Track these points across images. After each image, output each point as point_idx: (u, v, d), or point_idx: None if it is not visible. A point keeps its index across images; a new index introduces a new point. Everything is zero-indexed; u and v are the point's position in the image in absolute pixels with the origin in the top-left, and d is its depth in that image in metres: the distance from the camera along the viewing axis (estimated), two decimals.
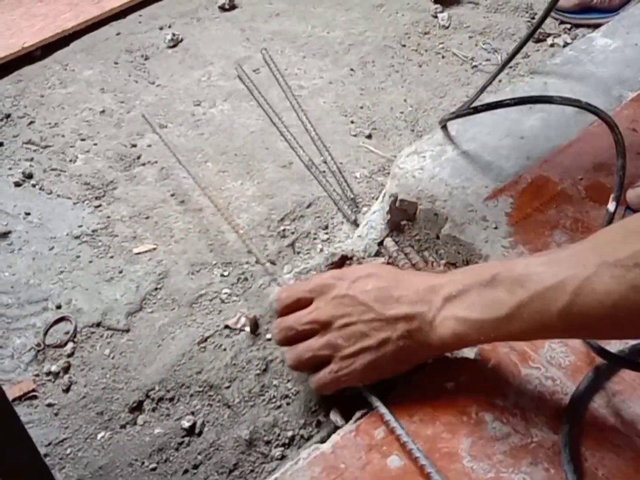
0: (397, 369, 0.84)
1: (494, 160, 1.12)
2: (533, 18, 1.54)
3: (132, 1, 1.62)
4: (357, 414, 0.85)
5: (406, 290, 0.81)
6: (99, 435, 0.90)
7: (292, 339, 0.85)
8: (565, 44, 1.44)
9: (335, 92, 1.39)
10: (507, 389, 0.84)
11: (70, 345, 0.99)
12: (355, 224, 1.13)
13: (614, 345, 0.86)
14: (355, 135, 1.30)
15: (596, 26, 1.43)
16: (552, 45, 1.48)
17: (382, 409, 0.82)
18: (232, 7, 1.62)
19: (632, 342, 0.87)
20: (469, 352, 0.88)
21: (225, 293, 1.04)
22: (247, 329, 0.98)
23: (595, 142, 1.09)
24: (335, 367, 0.82)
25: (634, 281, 0.64)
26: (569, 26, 1.51)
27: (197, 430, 0.89)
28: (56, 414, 0.92)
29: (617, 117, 1.15)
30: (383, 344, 0.80)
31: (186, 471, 0.86)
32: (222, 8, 1.61)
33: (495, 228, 0.99)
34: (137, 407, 0.92)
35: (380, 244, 1.09)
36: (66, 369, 0.96)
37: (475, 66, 1.43)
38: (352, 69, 1.44)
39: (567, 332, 0.74)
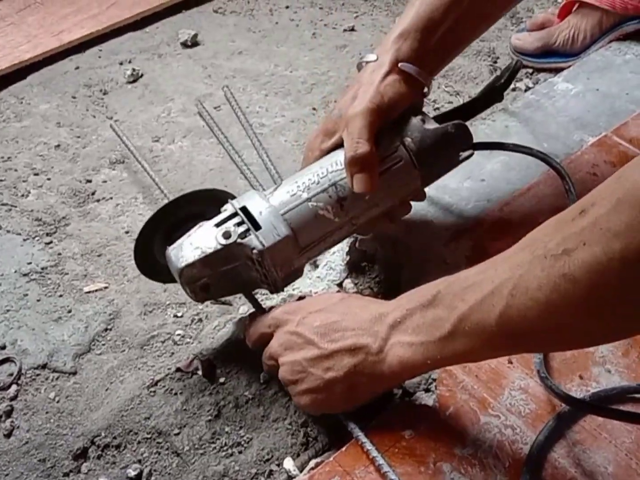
0: (352, 404, 0.83)
1: (454, 203, 1.11)
2: (495, 62, 1.54)
3: (92, 34, 1.59)
4: (311, 463, 0.83)
5: (353, 322, 0.81)
6: None
7: (271, 370, 0.88)
8: (527, 88, 1.45)
9: (297, 130, 1.37)
10: (465, 437, 0.82)
11: (13, 387, 0.95)
12: (314, 264, 1.10)
13: (575, 393, 0.85)
14: None
15: (557, 70, 1.44)
16: (513, 89, 1.48)
17: (368, 445, 0.81)
18: (195, 43, 1.60)
19: (592, 389, 0.86)
20: (428, 399, 0.86)
21: (179, 334, 1.01)
22: (200, 372, 0.94)
23: (556, 185, 1.08)
24: (293, 399, 0.86)
25: (563, 269, 0.60)
26: (530, 70, 1.52)
27: None
28: None
29: (577, 161, 1.16)
30: (330, 385, 0.80)
31: None
32: (184, 44, 1.60)
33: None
34: (82, 454, 0.88)
35: (340, 285, 1.07)
36: (8, 413, 0.92)
37: (437, 108, 1.43)
38: (314, 108, 1.43)
39: (509, 343, 0.70)
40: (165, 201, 1.10)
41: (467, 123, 0.99)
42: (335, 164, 0.92)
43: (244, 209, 0.88)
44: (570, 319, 0.63)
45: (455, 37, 0.99)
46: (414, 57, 0.95)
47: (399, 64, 0.94)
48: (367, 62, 0.97)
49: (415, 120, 0.95)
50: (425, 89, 0.99)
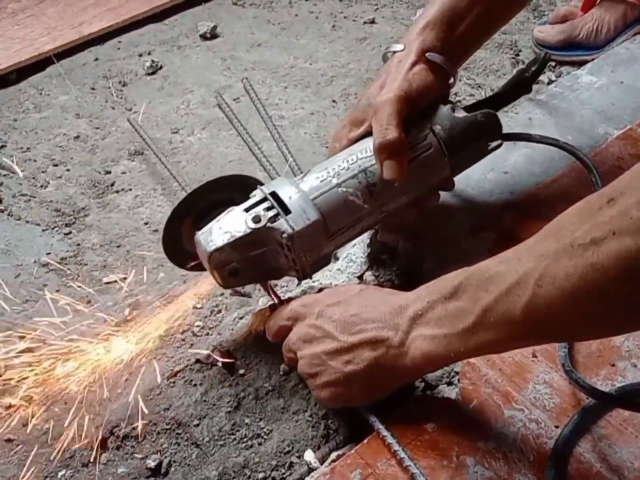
0: (372, 397, 0.83)
1: (477, 195, 1.10)
2: (517, 55, 1.53)
3: (112, 27, 1.59)
4: (333, 456, 0.82)
5: (373, 314, 0.80)
6: (60, 474, 0.85)
7: (291, 362, 0.88)
8: (550, 82, 1.43)
9: (317, 123, 1.37)
10: (489, 431, 0.81)
11: (32, 377, 0.94)
12: (335, 257, 1.09)
13: (600, 387, 0.84)
14: None
15: (581, 63, 1.42)
16: (536, 82, 1.46)
17: (390, 439, 0.80)
18: (214, 36, 1.60)
19: (618, 384, 0.85)
20: (450, 392, 0.85)
21: (198, 326, 1.00)
22: (220, 363, 0.94)
23: (580, 178, 1.07)
24: (312, 392, 0.85)
25: (592, 258, 0.59)
26: (553, 64, 1.50)
27: (163, 471, 0.84)
28: (15, 450, 0.86)
29: (602, 154, 1.14)
30: (350, 378, 0.79)
31: None
32: (204, 37, 1.59)
33: None
34: (101, 445, 0.87)
35: (360, 277, 1.06)
36: (27, 402, 0.91)
37: (459, 101, 1.41)
38: (334, 101, 1.42)
39: (535, 334, 0.69)
40: (187, 191, 1.10)
41: None
42: (365, 151, 0.92)
43: (273, 194, 0.88)
44: (598, 308, 0.62)
45: (481, 27, 0.99)
46: (439, 47, 0.95)
47: (426, 54, 0.94)
48: (393, 52, 0.96)
49: (445, 109, 0.95)
50: (451, 80, 0.99)
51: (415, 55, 0.94)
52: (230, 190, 0.92)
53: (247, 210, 0.87)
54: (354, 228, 0.92)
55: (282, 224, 0.85)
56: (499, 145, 1.00)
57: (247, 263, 0.88)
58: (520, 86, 1.11)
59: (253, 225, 0.85)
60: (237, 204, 0.89)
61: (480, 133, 0.97)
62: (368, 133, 0.93)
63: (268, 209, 0.87)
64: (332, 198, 0.89)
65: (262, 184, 0.91)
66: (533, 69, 1.09)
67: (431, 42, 0.94)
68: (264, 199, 0.88)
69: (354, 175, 0.90)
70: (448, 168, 0.96)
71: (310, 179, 0.90)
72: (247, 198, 0.89)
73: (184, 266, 0.97)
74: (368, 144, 0.92)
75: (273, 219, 0.85)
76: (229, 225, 0.86)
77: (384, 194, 0.91)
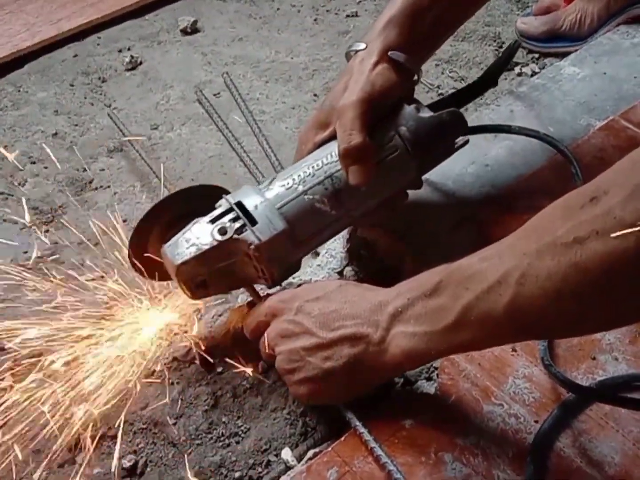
0: (351, 395, 0.82)
1: (458, 189, 1.09)
2: (500, 47, 1.52)
3: (91, 22, 1.57)
4: (310, 454, 0.81)
5: (352, 310, 0.79)
6: (35, 475, 0.83)
7: (269, 359, 0.86)
8: (533, 73, 1.42)
9: (298, 117, 1.36)
10: (468, 427, 0.80)
11: (9, 378, 0.93)
12: (315, 252, 1.08)
13: (581, 381, 0.83)
14: None
15: (564, 55, 1.41)
16: (519, 75, 1.45)
17: (367, 436, 0.79)
18: (194, 30, 1.58)
19: (599, 377, 0.84)
20: (429, 388, 0.84)
21: (176, 324, 0.99)
22: (197, 361, 0.92)
23: (562, 170, 1.06)
24: (289, 389, 0.84)
25: (575, 258, 0.59)
26: (537, 56, 1.49)
27: (138, 471, 0.83)
28: None
29: (584, 146, 1.13)
30: (328, 375, 0.78)
31: None
32: (184, 31, 1.58)
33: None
34: (77, 445, 0.86)
35: (340, 273, 1.05)
36: (3, 404, 0.90)
37: (442, 94, 1.40)
38: (315, 95, 1.41)
39: (516, 332, 0.68)
40: (167, 187, 1.09)
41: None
42: (330, 156, 0.90)
43: (239, 204, 0.86)
44: (580, 307, 0.62)
45: (444, 23, 0.97)
46: (402, 44, 0.93)
47: (389, 52, 0.92)
48: (356, 51, 0.95)
49: (410, 109, 0.93)
50: (415, 77, 0.97)
51: (378, 55, 0.92)
52: (196, 200, 0.90)
53: (213, 221, 0.86)
54: (322, 234, 0.91)
55: (248, 235, 0.84)
56: (466, 143, 0.99)
57: (215, 275, 0.87)
58: (485, 79, 1.10)
59: (219, 238, 0.84)
60: (204, 214, 0.87)
61: (447, 132, 0.96)
62: (333, 136, 0.92)
63: (234, 220, 0.85)
64: (299, 206, 0.87)
65: (227, 192, 0.90)
66: (501, 58, 1.08)
67: (394, 40, 0.93)
68: (230, 210, 0.86)
69: (319, 182, 0.89)
70: (415, 169, 0.95)
71: (276, 187, 0.89)
72: (213, 208, 0.88)
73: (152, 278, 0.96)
74: (333, 149, 0.91)
75: (239, 230, 0.84)
76: (195, 238, 0.85)
77: (351, 199, 0.90)
